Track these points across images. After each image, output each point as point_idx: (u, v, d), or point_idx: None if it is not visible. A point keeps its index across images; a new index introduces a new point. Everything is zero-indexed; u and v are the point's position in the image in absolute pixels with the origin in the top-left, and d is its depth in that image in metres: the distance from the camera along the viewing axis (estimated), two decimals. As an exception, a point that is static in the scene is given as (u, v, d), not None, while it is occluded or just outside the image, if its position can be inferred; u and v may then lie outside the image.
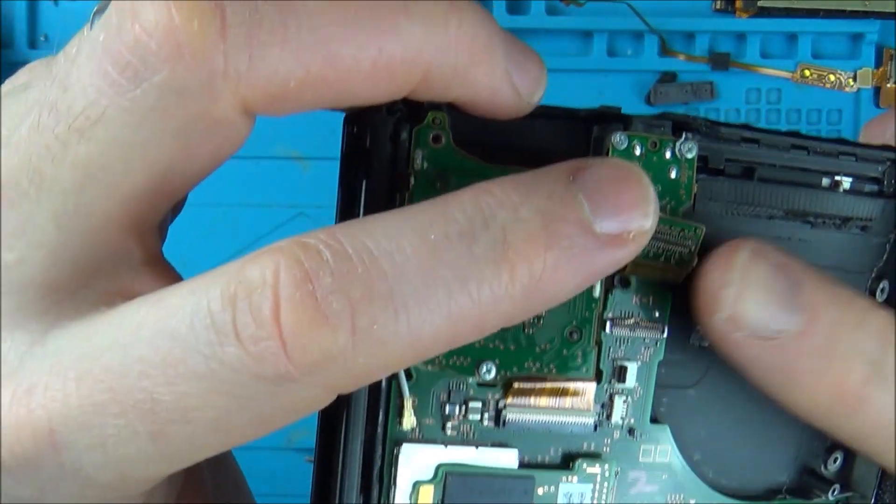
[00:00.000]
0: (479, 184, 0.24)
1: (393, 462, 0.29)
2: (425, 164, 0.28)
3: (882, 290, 0.31)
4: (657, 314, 0.30)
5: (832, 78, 0.59)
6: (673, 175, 0.29)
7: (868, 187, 0.31)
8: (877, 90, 0.59)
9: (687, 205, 0.29)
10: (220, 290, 0.22)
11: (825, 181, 0.31)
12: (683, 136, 0.29)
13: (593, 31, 0.58)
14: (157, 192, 0.24)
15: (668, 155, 0.29)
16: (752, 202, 0.30)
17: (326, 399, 0.23)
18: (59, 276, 0.24)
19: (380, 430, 0.29)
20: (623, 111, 0.30)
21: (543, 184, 0.25)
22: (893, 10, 0.57)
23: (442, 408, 0.29)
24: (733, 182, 0.30)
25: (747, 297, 0.27)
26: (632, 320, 0.30)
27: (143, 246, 0.25)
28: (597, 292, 0.30)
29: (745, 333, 0.27)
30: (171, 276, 0.25)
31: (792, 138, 0.31)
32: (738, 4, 0.58)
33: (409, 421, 0.29)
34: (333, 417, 0.28)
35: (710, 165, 0.30)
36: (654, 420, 0.31)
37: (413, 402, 0.29)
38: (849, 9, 0.58)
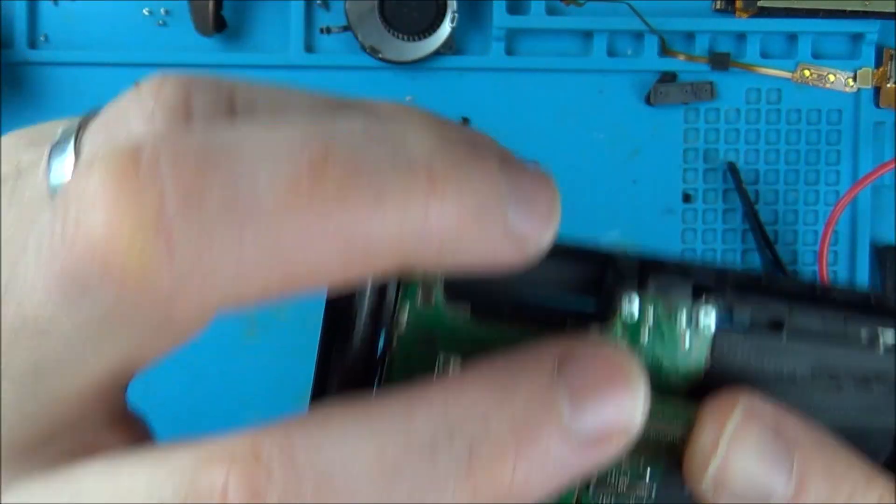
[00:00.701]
0: (450, 381, 0.23)
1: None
2: (410, 328, 0.26)
3: None
4: (647, 478, 0.27)
5: (832, 78, 0.59)
6: (686, 346, 0.26)
7: None
8: (877, 90, 0.59)
9: (695, 376, 0.27)
10: (172, 488, 0.21)
11: (864, 333, 0.28)
12: (703, 302, 0.26)
13: (593, 31, 0.58)
14: (117, 377, 0.23)
15: (683, 323, 0.26)
16: (773, 358, 0.27)
17: None
18: (21, 435, 0.23)
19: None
20: (638, 256, 0.27)
21: (522, 383, 0.23)
22: (893, 10, 0.57)
23: None
24: (755, 339, 0.27)
25: (735, 464, 0.25)
26: (618, 483, 0.27)
27: (107, 409, 0.24)
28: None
29: (731, 498, 0.25)
30: (137, 431, 0.25)
31: (808, 283, 0.28)
32: (738, 4, 0.58)
33: None
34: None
35: (734, 318, 0.27)
36: None
37: None
38: (849, 9, 0.58)
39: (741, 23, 0.59)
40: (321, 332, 0.26)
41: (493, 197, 0.22)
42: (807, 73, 0.59)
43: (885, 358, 0.27)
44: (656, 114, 0.59)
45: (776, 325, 0.28)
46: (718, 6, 0.59)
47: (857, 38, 0.59)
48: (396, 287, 0.26)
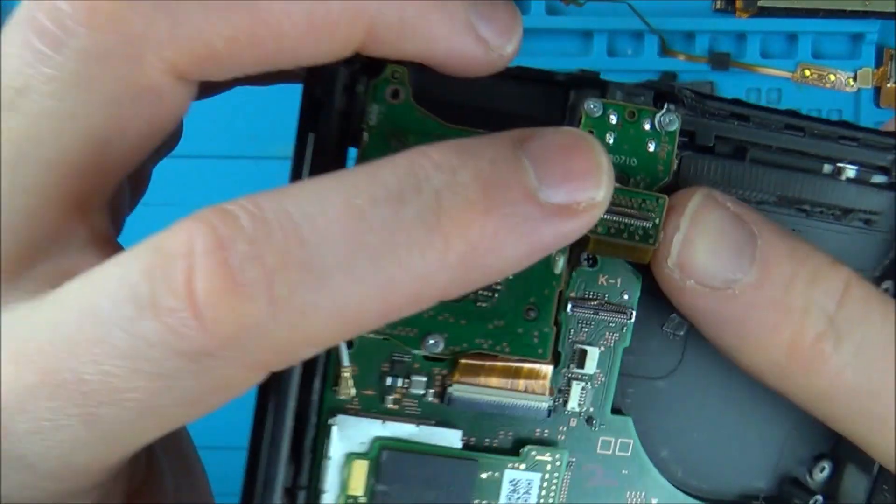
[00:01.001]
0: (419, 147, 0.23)
1: (327, 433, 0.27)
2: (380, 121, 0.26)
3: (886, 291, 0.29)
4: (626, 297, 0.28)
5: (832, 78, 0.59)
6: (651, 148, 0.27)
7: (875, 177, 0.29)
8: (877, 90, 0.59)
9: (665, 181, 0.28)
10: (140, 262, 0.21)
11: (827, 167, 0.29)
12: (665, 107, 0.27)
13: (593, 31, 0.58)
14: (96, 166, 0.23)
15: (646, 126, 0.27)
16: (742, 185, 0.28)
17: (252, 377, 0.22)
18: (3, 258, 0.23)
19: (315, 398, 0.27)
20: (603, 76, 0.28)
21: (487, 148, 0.23)
22: (893, 10, 0.57)
23: (383, 379, 0.27)
24: (722, 161, 0.28)
25: (697, 243, 0.25)
26: (596, 302, 0.28)
27: (88, 225, 0.24)
28: (558, 268, 0.28)
29: (694, 282, 0.26)
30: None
31: (788, 117, 0.28)
32: (738, 4, 0.58)
33: (346, 391, 0.27)
34: (268, 384, 0.26)
35: (697, 142, 0.28)
36: (616, 411, 0.29)
37: (353, 371, 0.27)
38: (849, 9, 0.58)
39: (741, 23, 0.59)
40: (297, 131, 0.26)
41: (455, 1, 0.24)
42: (807, 72, 0.59)
43: (849, 189, 0.29)
44: (656, 114, 0.59)
45: (740, 152, 0.28)
46: (718, 6, 0.59)
47: (857, 38, 0.59)
48: (366, 86, 0.26)
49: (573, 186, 0.23)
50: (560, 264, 0.27)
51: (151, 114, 0.23)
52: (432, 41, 0.25)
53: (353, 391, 0.27)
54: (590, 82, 0.28)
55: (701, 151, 0.28)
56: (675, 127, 0.27)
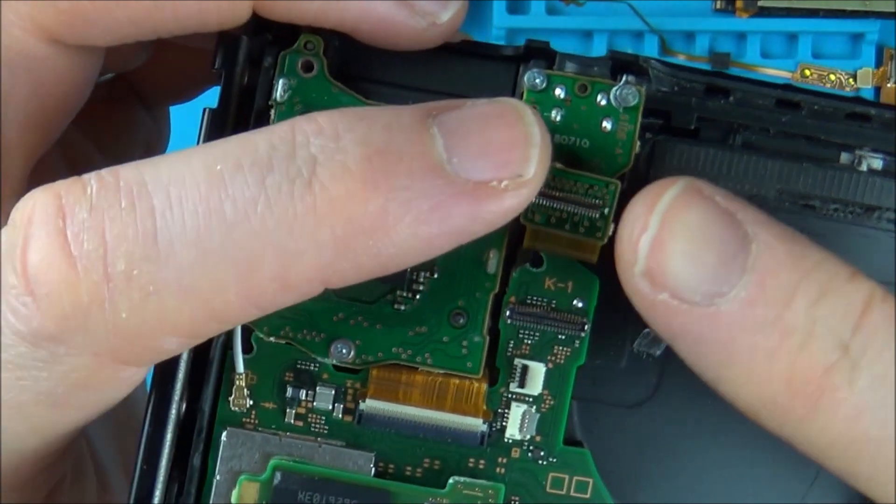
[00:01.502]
0: (310, 113, 0.20)
1: (216, 449, 0.23)
2: (290, 97, 0.23)
3: None
4: (579, 304, 0.23)
5: (832, 78, 0.59)
6: (607, 127, 0.23)
7: None
8: (877, 90, 0.59)
9: (625, 167, 0.23)
10: (7, 229, 0.19)
11: (844, 157, 0.23)
12: (623, 78, 0.23)
13: (593, 31, 0.58)
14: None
15: (601, 102, 0.23)
16: (733, 176, 0.23)
17: (111, 373, 0.20)
18: None
19: (205, 407, 0.23)
20: (552, 47, 0.24)
21: (388, 115, 0.20)
22: (893, 10, 0.57)
23: (284, 390, 0.24)
24: (707, 148, 0.23)
25: (672, 247, 0.20)
26: (540, 308, 0.23)
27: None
28: (492, 267, 0.23)
29: (668, 295, 0.20)
30: None
31: (779, 91, 0.23)
32: (739, 4, 0.58)
33: (240, 401, 0.24)
34: (155, 389, 0.23)
35: (674, 124, 0.23)
36: (570, 441, 0.24)
37: (249, 379, 0.24)
38: (849, 9, 0.58)
39: (741, 22, 0.59)
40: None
41: None
42: (807, 72, 0.59)
43: (871, 182, 0.23)
44: (656, 114, 0.59)
45: (730, 136, 0.24)
46: (718, 6, 0.59)
47: (857, 37, 0.59)
48: (275, 57, 0.23)
49: (494, 160, 0.19)
50: (493, 262, 0.23)
51: (34, 84, 0.21)
52: (343, 3, 0.22)
53: (248, 402, 0.24)
54: (538, 53, 0.24)
55: (679, 135, 0.23)
56: (636, 101, 0.23)
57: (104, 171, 0.19)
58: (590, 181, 0.22)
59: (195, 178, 0.19)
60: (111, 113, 0.29)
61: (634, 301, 0.21)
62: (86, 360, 0.19)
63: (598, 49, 0.59)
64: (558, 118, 0.23)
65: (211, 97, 0.27)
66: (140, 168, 0.19)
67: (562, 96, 0.23)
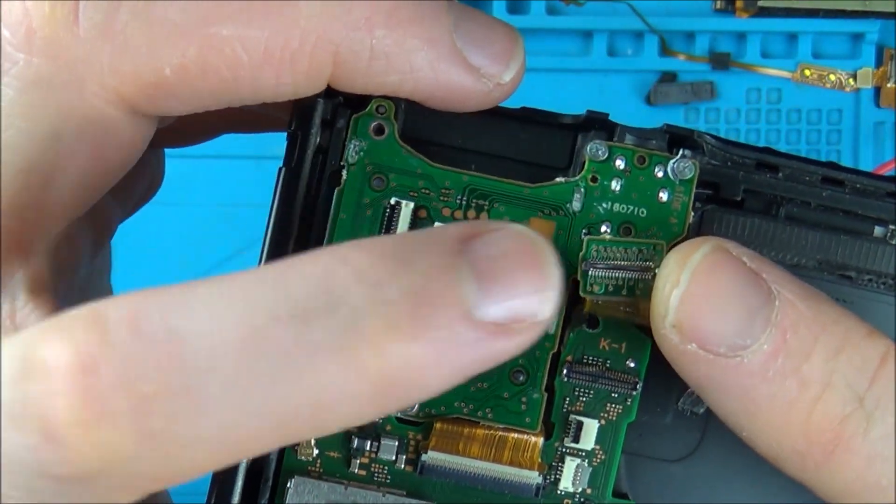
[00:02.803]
0: (339, 246, 0.20)
1: (282, 496, 0.24)
2: (361, 158, 0.24)
3: None
4: (631, 364, 0.24)
5: (832, 78, 0.59)
6: (663, 198, 0.24)
7: None
8: (877, 90, 0.59)
9: (680, 236, 0.24)
10: (15, 363, 0.18)
11: (878, 230, 0.25)
12: (680, 152, 0.24)
13: (593, 31, 0.58)
14: (36, 203, 0.21)
15: (658, 174, 0.24)
16: (775, 245, 0.24)
17: (134, 498, 0.19)
18: None
19: (272, 455, 0.24)
20: (612, 118, 0.25)
21: (423, 253, 0.19)
22: (893, 10, 0.57)
23: (350, 440, 0.24)
24: (752, 218, 0.24)
25: (700, 301, 0.21)
26: (596, 368, 0.24)
27: (26, 269, 0.21)
28: (551, 328, 0.24)
29: (696, 346, 0.21)
30: (49, 308, 0.22)
31: (825, 169, 0.24)
32: (739, 4, 0.58)
33: (307, 450, 0.24)
34: None
35: (722, 195, 0.25)
36: (621, 495, 0.25)
37: None
38: (849, 9, 0.58)
39: (741, 22, 0.59)
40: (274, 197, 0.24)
41: (434, 9, 0.21)
42: (807, 72, 0.59)
43: None
44: (656, 113, 0.59)
45: (773, 207, 0.25)
46: (718, 6, 0.59)
47: (857, 37, 0.59)
48: (347, 120, 0.24)
49: (517, 304, 0.20)
50: (553, 324, 0.24)
51: (98, 149, 0.21)
52: (412, 72, 0.22)
53: (314, 451, 0.24)
54: (598, 124, 0.25)
55: (727, 206, 0.25)
56: (692, 175, 0.24)
57: (129, 311, 0.18)
58: (638, 245, 0.24)
59: (230, 330, 0.18)
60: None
61: (664, 350, 0.23)
62: (112, 494, 0.19)
63: (598, 49, 0.59)
64: (618, 188, 0.24)
65: (215, 144, 0.26)
66: (166, 311, 0.18)
67: (622, 167, 0.24)
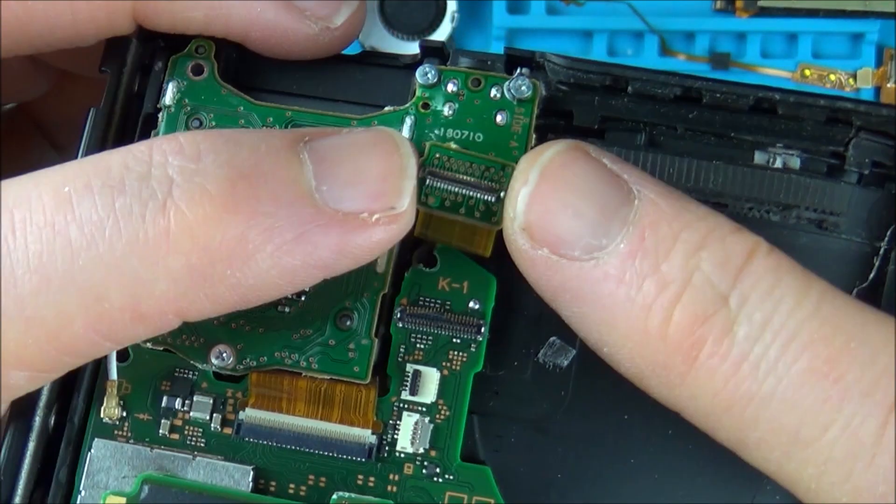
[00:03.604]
0: (173, 133, 0.19)
1: (83, 462, 0.22)
2: (178, 100, 0.22)
3: None
4: (475, 306, 0.22)
5: (832, 78, 0.59)
6: (501, 121, 0.22)
7: (832, 169, 0.22)
8: (877, 90, 0.59)
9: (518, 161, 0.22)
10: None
11: (759, 156, 0.22)
12: (518, 71, 0.22)
13: (593, 31, 0.58)
14: None
15: (495, 95, 0.22)
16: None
17: None
18: None
19: (75, 419, 0.22)
20: (448, 45, 0.23)
21: (256, 136, 0.19)
22: (893, 10, 0.57)
23: (159, 400, 0.22)
24: (610, 147, 0.22)
25: (551, 200, 0.19)
26: (433, 310, 0.22)
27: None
28: (381, 266, 0.22)
29: (548, 251, 0.20)
30: None
31: (680, 79, 0.22)
32: (739, 4, 0.58)
33: (111, 411, 0.22)
34: (22, 396, 0.21)
35: (577, 123, 0.23)
36: (468, 458, 0.22)
37: (123, 388, 0.22)
38: (849, 9, 0.58)
39: (741, 22, 0.59)
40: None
41: None
42: (807, 72, 0.59)
43: (788, 181, 0.21)
44: (656, 114, 0.59)
45: (636, 135, 0.22)
46: (719, 6, 0.59)
47: (857, 37, 0.59)
48: (165, 62, 0.23)
49: (367, 191, 0.18)
50: (382, 260, 0.22)
51: None
52: (221, 8, 0.21)
53: (121, 412, 0.22)
54: (434, 52, 0.23)
55: (584, 135, 0.23)
56: (530, 93, 0.22)
57: None
58: (486, 163, 0.21)
59: (42, 199, 0.18)
60: (10, 146, 0.28)
61: (516, 259, 0.21)
62: None
63: (598, 49, 0.59)
64: (451, 113, 0.22)
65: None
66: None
67: (454, 90, 0.22)
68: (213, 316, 0.19)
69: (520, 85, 0.22)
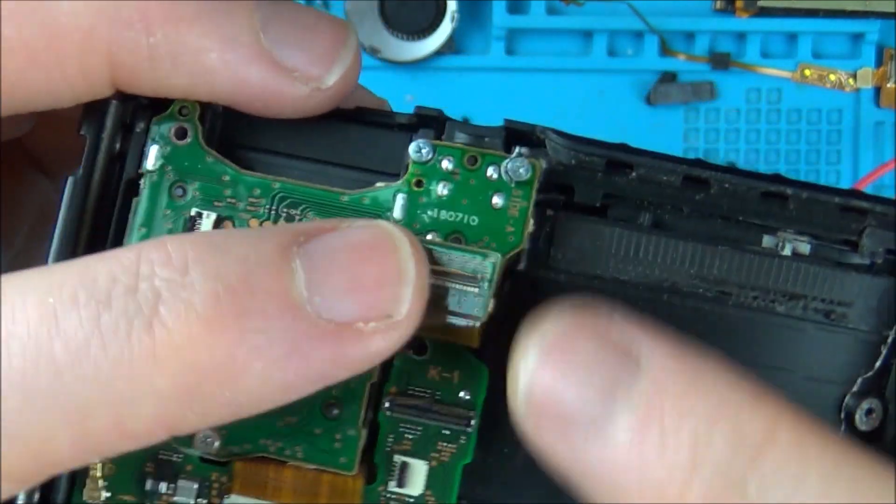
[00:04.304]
0: (162, 237, 0.18)
1: None
2: (161, 165, 0.21)
3: (867, 413, 0.21)
4: (465, 396, 0.21)
5: (832, 78, 0.59)
6: (498, 203, 0.21)
7: (842, 256, 0.21)
8: (877, 90, 0.59)
9: (516, 247, 0.21)
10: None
11: (767, 240, 0.21)
12: (516, 150, 0.21)
13: (593, 31, 0.58)
14: None
15: (491, 175, 0.21)
16: (639, 260, 0.21)
17: None
18: None
19: (59, 500, 0.21)
20: (445, 114, 0.22)
21: (246, 243, 0.18)
22: (893, 10, 0.57)
23: (144, 482, 0.21)
24: (614, 228, 0.21)
25: (550, 376, 0.18)
26: (423, 400, 0.21)
27: None
28: None
29: (550, 428, 0.18)
30: None
31: (687, 167, 0.21)
32: (739, 4, 0.58)
33: (94, 493, 0.21)
34: None
35: (578, 200, 0.21)
36: None
37: (107, 469, 0.21)
38: (849, 9, 0.58)
39: (741, 22, 0.59)
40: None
41: (233, 22, 0.19)
42: (807, 72, 0.59)
43: (798, 268, 0.20)
44: (656, 114, 0.59)
45: (640, 214, 0.21)
46: (719, 6, 0.59)
47: (857, 37, 0.59)
48: (147, 123, 0.21)
49: (360, 300, 0.17)
50: None
51: None
52: (206, 74, 0.20)
53: (103, 495, 0.22)
54: (429, 122, 0.22)
55: (584, 212, 0.21)
56: (529, 175, 0.21)
57: None
58: (468, 254, 0.20)
59: (25, 311, 0.17)
60: (2, 177, 0.27)
61: (522, 431, 0.20)
62: None
63: (598, 49, 0.59)
64: (446, 193, 0.21)
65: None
66: None
67: (449, 168, 0.21)
68: (205, 428, 0.20)
69: (517, 167, 0.21)
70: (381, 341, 0.18)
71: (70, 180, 0.21)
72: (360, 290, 0.17)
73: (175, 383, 0.17)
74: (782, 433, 0.17)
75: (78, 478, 0.21)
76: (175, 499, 0.21)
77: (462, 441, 0.21)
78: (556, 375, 0.18)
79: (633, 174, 0.21)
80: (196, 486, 0.22)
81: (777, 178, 0.20)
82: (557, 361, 0.18)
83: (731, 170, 0.21)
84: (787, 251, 0.21)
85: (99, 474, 0.21)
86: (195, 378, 0.17)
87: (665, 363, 0.18)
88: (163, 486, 0.22)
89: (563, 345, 0.18)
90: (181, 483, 0.22)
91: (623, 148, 0.21)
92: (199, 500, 0.22)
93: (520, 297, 0.20)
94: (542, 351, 0.18)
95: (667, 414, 0.18)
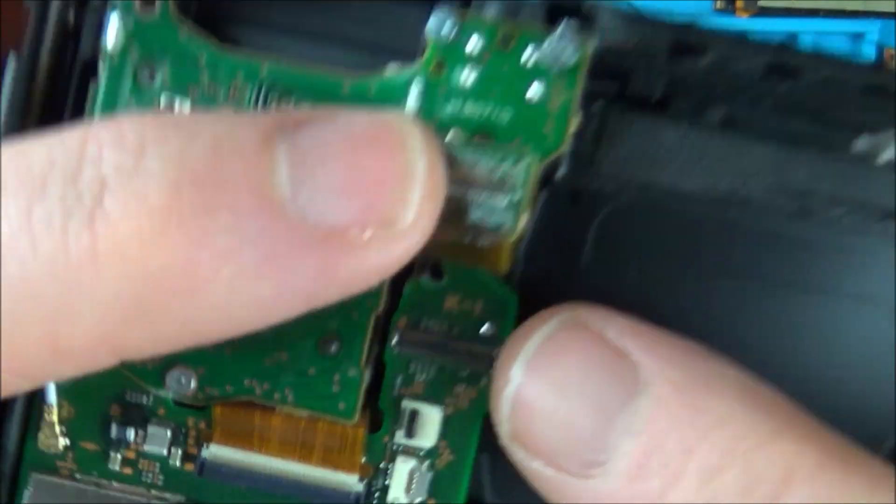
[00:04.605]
0: (117, 117, 0.15)
1: (19, 498, 0.18)
2: (123, 44, 0.17)
3: None
4: (489, 331, 0.18)
5: (832, 78, 0.59)
6: (534, 94, 0.17)
7: None
8: (877, 90, 0.60)
9: (556, 151, 0.17)
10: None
11: (861, 143, 0.17)
12: (562, 26, 0.17)
13: (593, 30, 0.58)
14: None
15: (528, 57, 0.17)
16: (704, 164, 0.17)
17: None
18: None
19: (10, 448, 0.18)
20: None
21: (221, 125, 0.14)
22: (893, 10, 0.57)
23: (108, 428, 0.19)
24: (676, 128, 0.17)
25: (537, 406, 0.15)
26: (438, 335, 0.18)
27: None
28: None
29: (540, 463, 0.16)
30: None
31: (774, 53, 0.17)
32: (739, 4, 0.58)
33: (51, 440, 0.19)
34: None
35: (633, 91, 0.18)
36: (473, 501, 0.19)
37: (65, 412, 0.18)
38: (849, 9, 0.58)
39: (741, 22, 0.59)
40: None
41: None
42: (807, 72, 0.59)
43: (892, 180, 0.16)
44: (656, 113, 0.59)
45: (706, 110, 0.17)
46: (719, 6, 0.59)
47: (857, 37, 0.59)
48: None
49: (356, 201, 0.14)
50: None
51: None
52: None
53: (61, 442, 0.19)
54: None
55: (640, 106, 0.18)
56: (577, 60, 0.16)
57: None
58: (497, 156, 0.17)
59: None
60: None
61: (504, 444, 0.17)
62: None
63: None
64: (471, 80, 0.17)
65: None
66: None
67: (477, 51, 0.17)
68: (162, 354, 0.16)
69: (562, 49, 0.16)
70: (379, 254, 0.14)
71: (11, 58, 0.18)
72: (355, 189, 0.14)
73: (119, 291, 0.14)
74: (800, 480, 0.15)
75: (32, 422, 0.18)
76: (145, 447, 0.18)
77: (483, 385, 0.18)
78: (541, 405, 0.15)
79: (704, 60, 0.17)
80: (169, 433, 0.19)
81: (882, 70, 0.17)
82: (542, 384, 0.15)
83: (826, 58, 0.17)
84: (882, 159, 0.17)
85: (55, 418, 0.18)
86: (144, 285, 0.14)
87: (668, 386, 0.15)
88: (130, 433, 0.18)
89: (550, 360, 0.15)
90: (151, 430, 0.18)
91: (692, 28, 0.17)
92: (172, 449, 0.18)
93: (557, 213, 0.17)
94: (526, 370, 0.15)
95: (669, 456, 0.15)
